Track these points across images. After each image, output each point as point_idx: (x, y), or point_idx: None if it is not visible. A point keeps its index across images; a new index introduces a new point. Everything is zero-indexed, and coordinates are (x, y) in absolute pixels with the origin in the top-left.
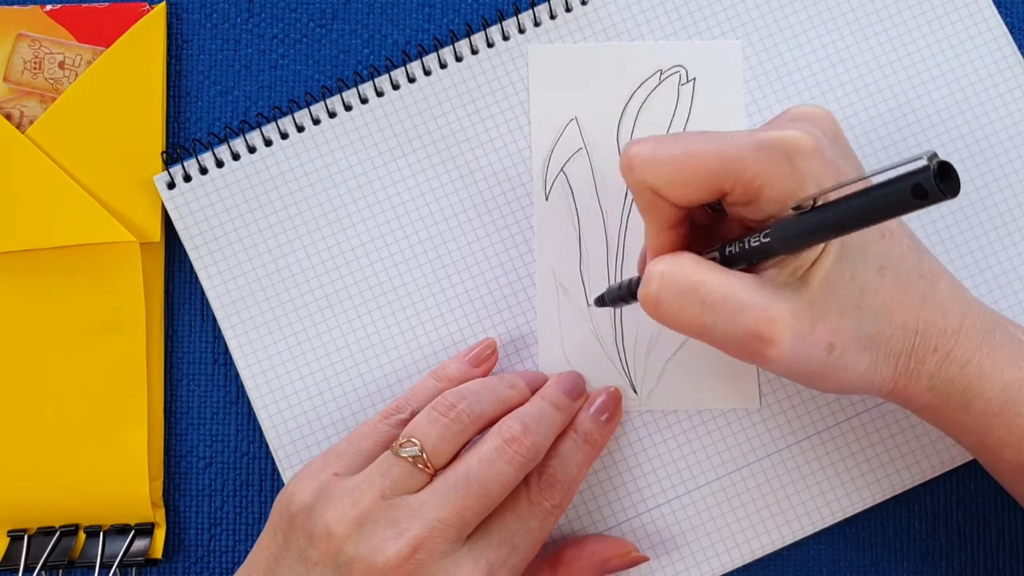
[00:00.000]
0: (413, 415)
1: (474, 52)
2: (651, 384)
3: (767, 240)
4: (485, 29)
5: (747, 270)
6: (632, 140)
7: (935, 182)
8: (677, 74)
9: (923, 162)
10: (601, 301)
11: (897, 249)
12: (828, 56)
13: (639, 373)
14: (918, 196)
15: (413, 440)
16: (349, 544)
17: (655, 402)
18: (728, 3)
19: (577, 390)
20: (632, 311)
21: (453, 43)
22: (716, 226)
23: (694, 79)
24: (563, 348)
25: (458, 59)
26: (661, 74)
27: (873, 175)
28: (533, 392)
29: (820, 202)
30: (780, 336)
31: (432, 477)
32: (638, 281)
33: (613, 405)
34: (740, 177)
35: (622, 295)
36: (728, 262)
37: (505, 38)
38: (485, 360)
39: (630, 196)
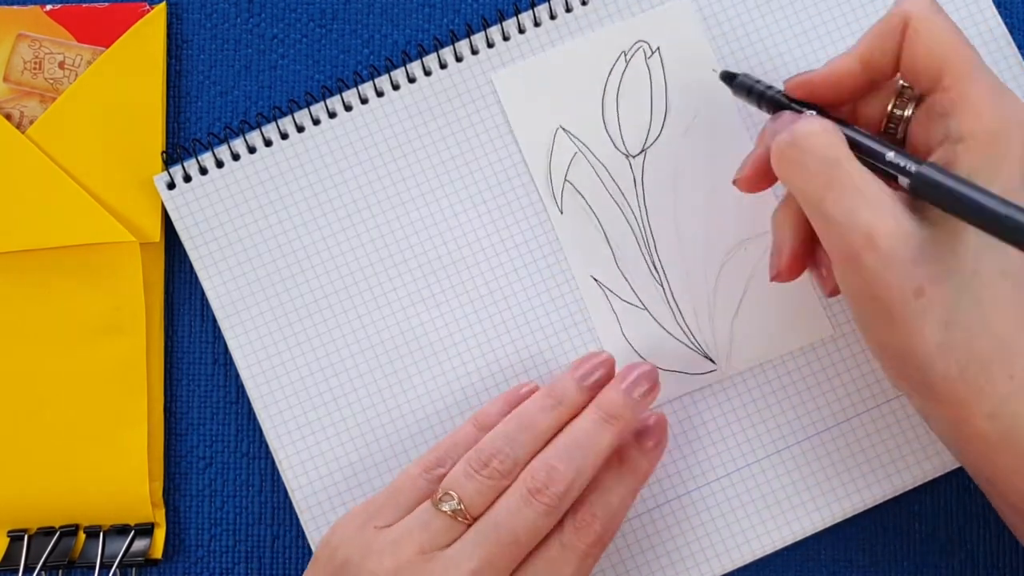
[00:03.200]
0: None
1: (474, 52)
2: (725, 349)
3: (909, 172)
4: (485, 29)
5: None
6: None
7: None
8: (640, 50)
9: None
10: (729, 78)
11: None
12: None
13: (710, 343)
14: None
15: (451, 493)
16: None
17: (735, 364)
18: None
19: (642, 386)
20: (684, 286)
21: (453, 43)
22: (860, 109)
23: (658, 48)
24: (628, 341)
25: (458, 59)
26: (626, 55)
27: None
28: (594, 390)
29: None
30: (886, 246)
31: (469, 526)
32: (781, 99)
33: (660, 432)
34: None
35: (755, 98)
36: (861, 146)
37: (505, 38)
38: None
39: (639, 182)
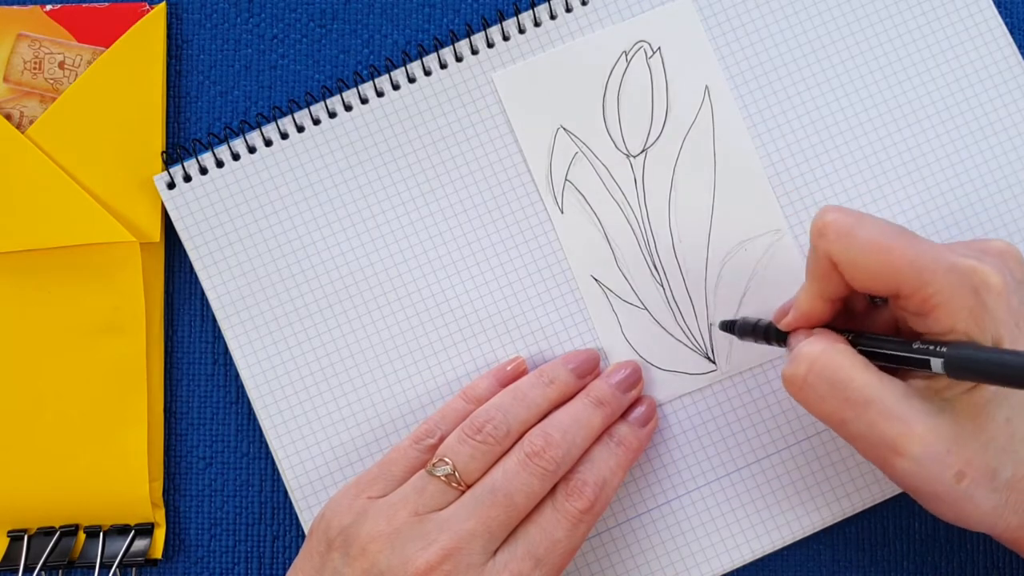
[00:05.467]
0: (442, 439)
1: (474, 52)
2: (725, 349)
3: (939, 359)
4: (485, 29)
5: (893, 367)
6: (831, 206)
7: None
8: (641, 50)
9: None
10: (729, 327)
11: None
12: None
13: (710, 343)
14: None
15: (445, 460)
16: (382, 557)
17: (735, 365)
18: None
19: (629, 382)
20: (684, 286)
21: (453, 43)
22: (868, 315)
23: (659, 49)
24: (628, 341)
25: (458, 59)
26: (627, 55)
27: None
28: (583, 377)
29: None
30: (913, 451)
31: (463, 493)
32: (774, 332)
33: (650, 412)
34: (923, 289)
35: (755, 336)
36: (879, 354)
37: (506, 38)
38: (513, 381)
39: (640, 182)
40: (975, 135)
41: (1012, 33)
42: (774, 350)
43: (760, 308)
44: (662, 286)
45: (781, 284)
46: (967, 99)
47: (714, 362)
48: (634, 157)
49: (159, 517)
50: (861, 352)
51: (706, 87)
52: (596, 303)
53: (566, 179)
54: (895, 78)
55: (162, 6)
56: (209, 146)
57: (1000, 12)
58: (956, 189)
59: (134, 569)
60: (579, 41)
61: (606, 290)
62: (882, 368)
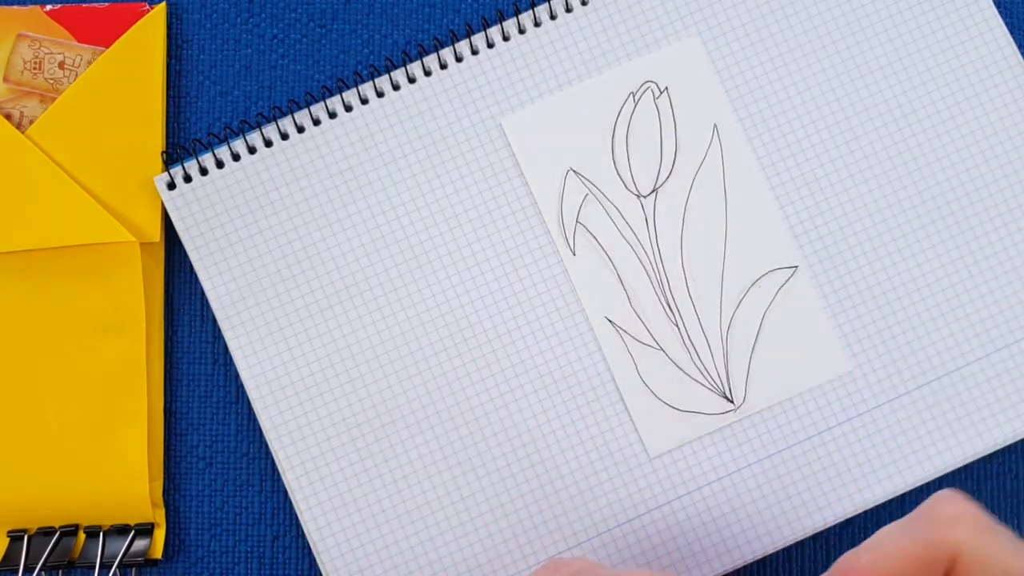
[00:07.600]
0: None
1: (474, 53)
2: (742, 388)
3: None
4: (485, 29)
5: None
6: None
7: None
8: (649, 90)
9: None
10: None
11: None
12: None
13: (727, 382)
14: None
15: None
16: None
17: (751, 405)
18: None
19: None
20: (699, 325)
21: (453, 43)
22: None
23: (666, 88)
24: (644, 382)
25: (458, 59)
26: (634, 96)
27: None
28: None
29: None
30: None
31: None
32: None
33: None
34: None
35: None
36: None
37: (506, 38)
38: None
39: (651, 221)
40: (975, 135)
41: (1012, 33)
42: (794, 386)
43: (776, 346)
44: (677, 326)
45: (797, 320)
46: (967, 99)
47: (732, 401)
48: (644, 197)
49: (159, 517)
50: None
51: (715, 125)
52: (611, 345)
53: (577, 221)
54: (895, 78)
55: (162, 6)
56: (209, 146)
57: (1000, 12)
58: (956, 189)
59: (134, 569)
60: (586, 83)
61: (621, 331)
62: None
